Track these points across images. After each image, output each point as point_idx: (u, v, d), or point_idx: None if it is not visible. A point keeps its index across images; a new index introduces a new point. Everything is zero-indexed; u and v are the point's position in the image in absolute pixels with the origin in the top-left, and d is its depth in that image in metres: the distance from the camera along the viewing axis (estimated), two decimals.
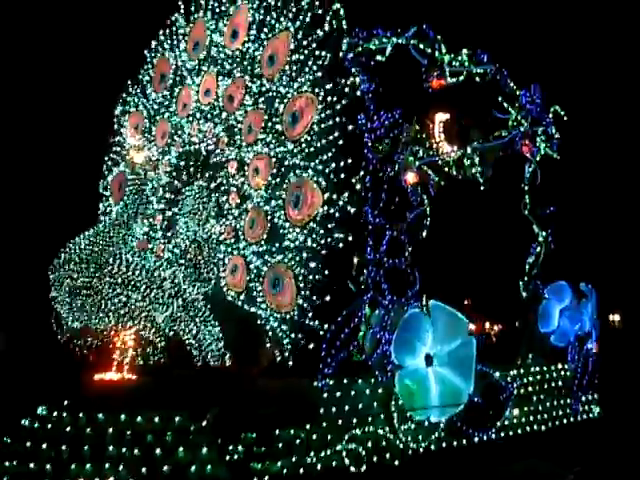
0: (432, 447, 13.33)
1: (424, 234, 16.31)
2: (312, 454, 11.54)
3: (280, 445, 11.28)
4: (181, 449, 10.92)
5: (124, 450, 10.90)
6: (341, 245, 11.59)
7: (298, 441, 11.47)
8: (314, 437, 11.63)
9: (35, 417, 11.83)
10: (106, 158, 16.78)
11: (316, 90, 12.31)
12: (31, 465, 10.81)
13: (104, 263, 12.54)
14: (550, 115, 18.40)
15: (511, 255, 18.30)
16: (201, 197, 14.18)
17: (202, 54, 15.07)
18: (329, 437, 11.81)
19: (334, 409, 12.01)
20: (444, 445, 13.53)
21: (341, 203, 11.58)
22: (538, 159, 18.18)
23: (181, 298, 13.06)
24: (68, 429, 11.32)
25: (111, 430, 11.16)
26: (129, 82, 16.79)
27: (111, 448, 10.96)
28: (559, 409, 16.07)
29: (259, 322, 12.71)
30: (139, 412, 11.41)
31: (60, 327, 13.66)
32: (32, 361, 17.06)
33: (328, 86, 12.11)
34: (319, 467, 11.56)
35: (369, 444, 12.32)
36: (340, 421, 12.03)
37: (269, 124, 13.12)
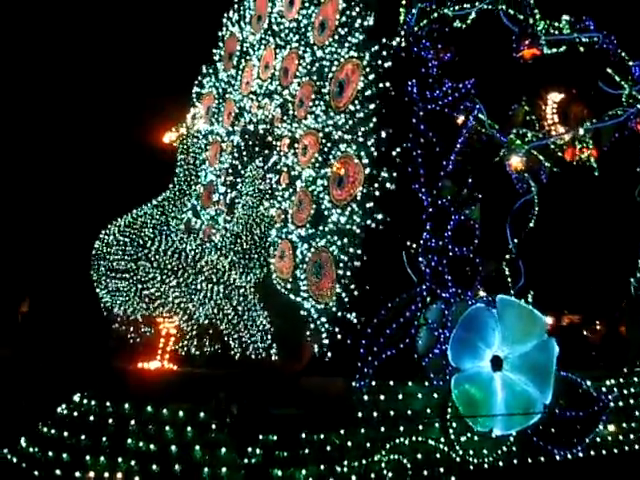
0: (500, 463, 11.66)
1: (531, 224, 15.00)
2: (345, 463, 10.27)
3: (307, 450, 10.09)
4: (197, 447, 10.05)
5: (141, 444, 10.22)
6: (381, 227, 10.21)
7: (329, 447, 10.24)
8: (349, 444, 10.35)
9: (70, 405, 11.42)
10: None
11: (362, 54, 11.00)
12: (49, 453, 10.41)
13: (142, 245, 11.86)
14: None
15: (623, 248, 16.10)
16: (256, 179, 13.23)
17: (264, 27, 14.13)
18: (367, 445, 10.49)
19: (375, 414, 10.67)
20: (515, 462, 11.80)
21: (380, 180, 10.19)
22: None
23: (222, 285, 12.14)
24: (92, 418, 10.78)
25: (133, 422, 10.49)
26: (204, 64, 16.16)
27: (130, 441, 10.31)
28: None
29: (303, 313, 11.58)
30: (167, 404, 10.66)
31: (109, 313, 13.18)
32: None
33: (374, 49, 10.76)
34: (353, 478, 10.28)
35: (419, 455, 10.89)
36: (383, 428, 10.66)
37: (318, 96, 11.95)
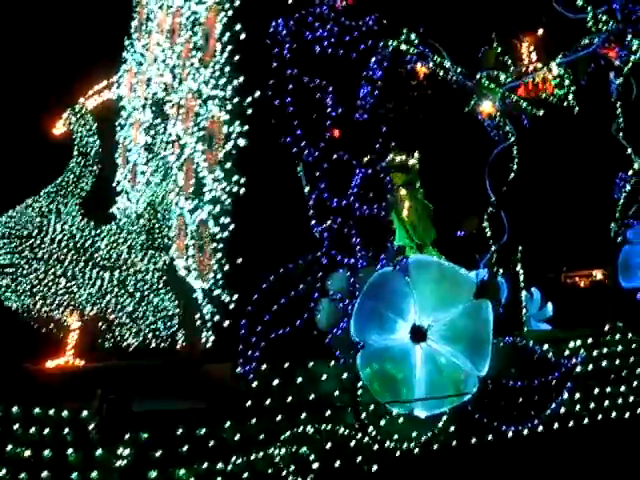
0: (435, 447, 10.23)
1: (512, 175, 13.72)
2: (233, 459, 9.07)
3: (185, 448, 8.95)
4: (71, 450, 9.08)
5: (18, 450, 9.35)
6: (242, 191, 8.92)
7: (212, 442, 9.08)
8: (236, 438, 9.15)
9: None
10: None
11: None
12: None
13: (26, 236, 10.95)
14: None
15: (599, 188, 14.36)
16: (159, 153, 12.15)
17: None
18: (261, 437, 9.26)
19: (269, 401, 9.41)
20: (454, 444, 10.35)
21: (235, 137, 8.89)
22: (630, 66, 14.01)
23: (118, 270, 11.11)
24: None
25: (17, 426, 9.63)
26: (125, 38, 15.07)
27: (9, 448, 9.45)
28: None
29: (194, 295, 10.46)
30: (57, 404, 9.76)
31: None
32: None
33: None
34: (245, 475, 9.09)
35: (328, 445, 9.58)
36: (279, 417, 9.40)
37: (193, 52, 10.72)
